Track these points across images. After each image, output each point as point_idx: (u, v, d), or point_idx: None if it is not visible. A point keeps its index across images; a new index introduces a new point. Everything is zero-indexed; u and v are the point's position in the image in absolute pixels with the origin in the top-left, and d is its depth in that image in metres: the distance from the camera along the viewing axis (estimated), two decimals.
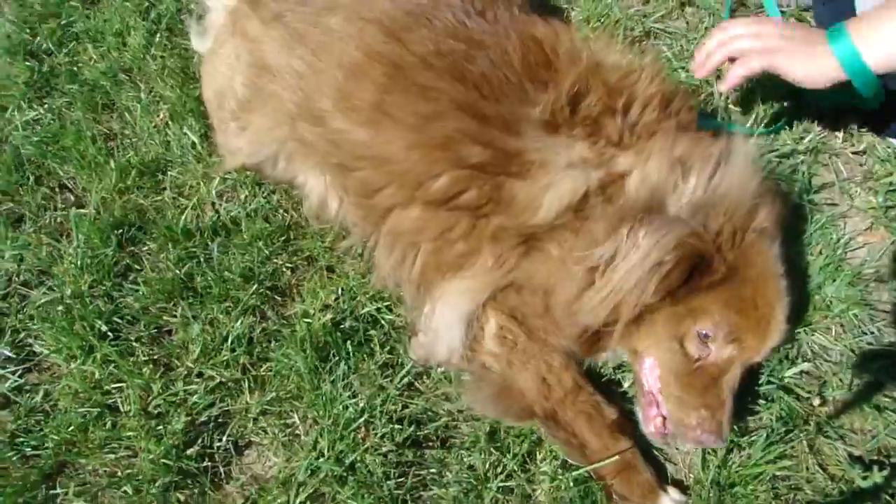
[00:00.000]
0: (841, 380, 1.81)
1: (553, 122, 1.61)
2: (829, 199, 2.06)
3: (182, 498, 1.75)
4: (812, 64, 1.69)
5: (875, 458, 1.74)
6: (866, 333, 1.86)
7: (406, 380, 1.83)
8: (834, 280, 1.90)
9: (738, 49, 1.78)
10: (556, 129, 1.61)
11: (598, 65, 1.68)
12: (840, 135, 2.11)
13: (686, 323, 1.56)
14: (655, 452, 1.76)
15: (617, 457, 1.62)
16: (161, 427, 1.80)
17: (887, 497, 1.66)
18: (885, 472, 1.67)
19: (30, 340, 1.97)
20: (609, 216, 1.55)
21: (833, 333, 1.87)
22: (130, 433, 1.80)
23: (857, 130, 2.13)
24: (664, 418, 1.62)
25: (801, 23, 2.20)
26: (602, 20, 2.29)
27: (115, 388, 1.87)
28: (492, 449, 1.73)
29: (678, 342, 1.58)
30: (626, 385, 1.83)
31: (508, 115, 1.61)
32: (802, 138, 2.12)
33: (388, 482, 1.70)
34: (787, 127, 2.12)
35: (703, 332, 1.55)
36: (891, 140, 2.06)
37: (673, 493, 1.64)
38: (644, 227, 1.48)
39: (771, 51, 1.73)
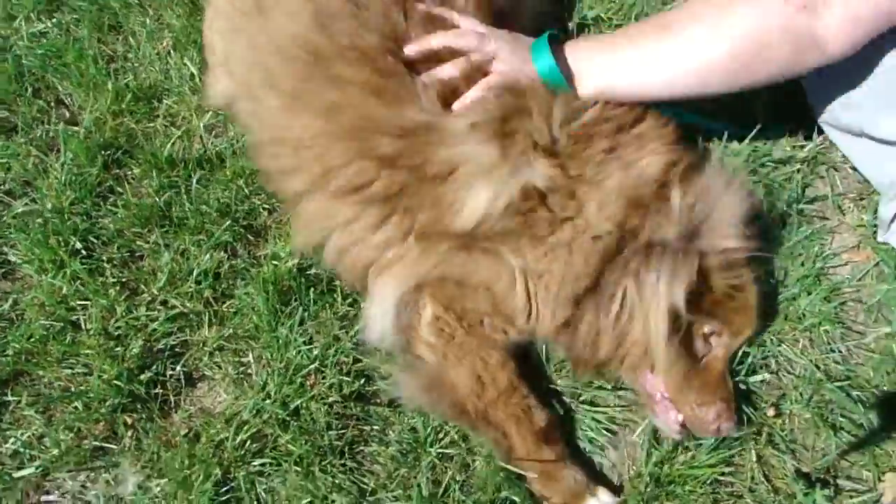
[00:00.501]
0: (801, 394, 1.78)
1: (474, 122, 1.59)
2: (820, 212, 2.02)
3: (129, 421, 1.77)
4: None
5: (822, 476, 1.71)
6: (834, 351, 1.83)
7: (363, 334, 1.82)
8: (809, 293, 1.87)
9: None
10: (475, 129, 1.58)
11: None
12: None
13: (691, 331, 1.62)
14: (591, 445, 1.75)
15: (542, 466, 1.61)
16: (119, 349, 1.81)
17: None
18: (826, 492, 1.65)
19: (5, 249, 1.98)
20: (586, 248, 1.58)
21: (800, 346, 1.83)
22: (88, 351, 1.81)
23: None
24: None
25: None
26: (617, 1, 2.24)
27: (79, 306, 1.88)
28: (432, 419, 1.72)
29: (684, 350, 1.61)
30: (560, 384, 1.80)
31: (424, 110, 1.60)
32: (802, 146, 2.07)
33: (330, 432, 1.71)
34: (767, 133, 2.06)
35: (710, 331, 1.63)
36: None
37: (602, 494, 1.63)
38: (651, 268, 1.54)
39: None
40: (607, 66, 1.63)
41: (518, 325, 1.67)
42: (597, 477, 1.69)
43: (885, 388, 1.78)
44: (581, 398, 1.78)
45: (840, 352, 1.83)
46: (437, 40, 1.65)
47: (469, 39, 1.65)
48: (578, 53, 1.65)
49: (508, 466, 1.63)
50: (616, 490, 1.69)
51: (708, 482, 1.67)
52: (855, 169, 2.03)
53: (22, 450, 1.73)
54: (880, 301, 1.88)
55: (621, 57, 1.63)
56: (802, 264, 1.90)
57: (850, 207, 2.03)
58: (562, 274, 1.59)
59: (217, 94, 2.00)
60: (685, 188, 1.62)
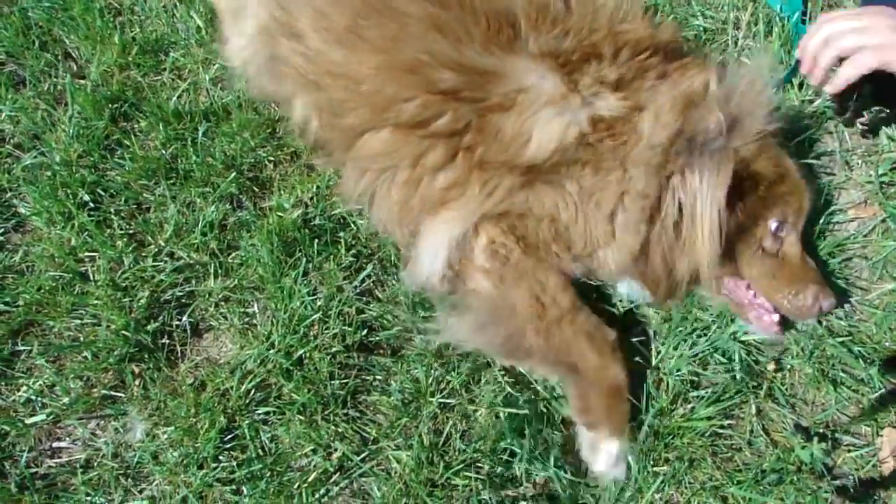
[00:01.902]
0: (802, 349, 1.78)
1: (536, 54, 1.57)
2: (828, 167, 2.00)
3: (137, 370, 1.79)
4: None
5: (820, 430, 1.71)
6: (838, 307, 1.81)
7: (366, 284, 1.83)
8: (814, 248, 1.85)
9: (846, 47, 1.69)
10: (540, 61, 1.57)
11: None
12: (851, 104, 2.02)
13: (758, 229, 1.67)
14: None
15: (612, 380, 1.61)
16: (126, 300, 1.83)
17: (823, 469, 1.64)
18: (823, 445, 1.65)
19: (15, 202, 2.00)
20: (643, 159, 1.57)
21: None
22: (97, 302, 1.83)
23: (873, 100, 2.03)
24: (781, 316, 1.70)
25: None
26: None
27: (88, 257, 1.90)
28: (437, 365, 1.73)
29: (759, 249, 1.66)
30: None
31: (487, 43, 1.57)
32: (811, 101, 2.04)
33: (333, 382, 1.73)
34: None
35: (775, 225, 1.67)
36: None
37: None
38: (694, 169, 1.56)
39: (882, 47, 1.64)
40: None
41: (578, 253, 1.66)
42: None
43: (887, 343, 1.76)
44: None
45: (843, 307, 1.81)
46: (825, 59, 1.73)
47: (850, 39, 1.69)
48: None
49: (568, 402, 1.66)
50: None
51: (707, 434, 1.68)
52: (864, 125, 1.99)
53: (34, 398, 1.77)
54: (886, 258, 1.86)
55: None
56: (807, 221, 1.87)
57: (858, 163, 2.01)
58: (628, 194, 1.60)
59: (231, 54, 1.95)
60: (721, 86, 1.62)
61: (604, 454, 1.60)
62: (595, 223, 1.62)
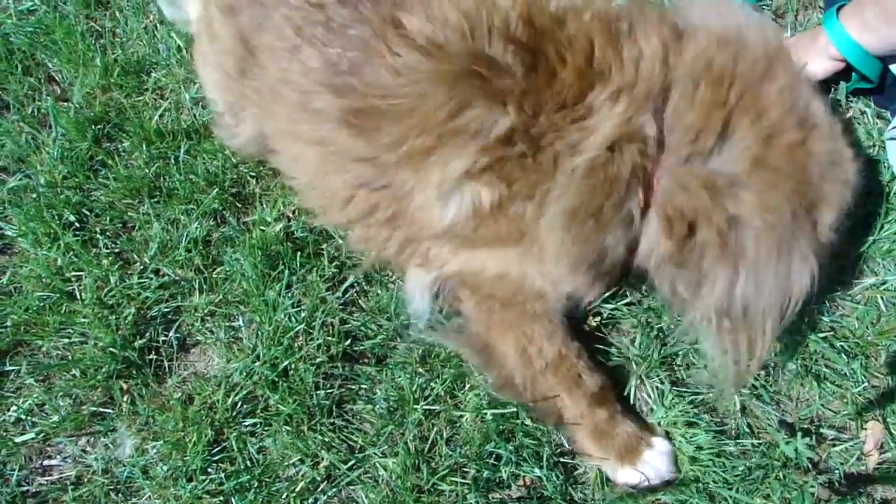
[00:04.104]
0: (786, 345, 1.80)
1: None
2: None
3: (125, 386, 1.83)
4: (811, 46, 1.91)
5: (805, 426, 1.74)
6: (819, 302, 1.84)
7: (350, 295, 1.87)
8: None
9: None
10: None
11: None
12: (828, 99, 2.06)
13: None
14: None
15: (594, 427, 1.66)
16: (113, 317, 1.87)
17: (808, 464, 1.67)
18: (808, 440, 1.68)
19: (1, 224, 2.04)
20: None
21: None
22: (84, 320, 1.88)
23: (847, 98, 2.08)
24: None
25: None
26: None
27: (74, 277, 1.95)
28: (421, 371, 1.76)
29: None
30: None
31: (373, 125, 1.60)
32: None
33: (318, 392, 1.76)
34: None
35: None
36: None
37: (658, 443, 1.69)
38: None
39: None
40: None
41: (553, 302, 1.68)
42: (648, 427, 1.75)
43: (869, 338, 1.80)
44: None
45: (825, 303, 1.85)
46: None
47: None
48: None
49: (562, 435, 1.71)
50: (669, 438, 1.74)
51: (693, 437, 1.71)
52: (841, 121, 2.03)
53: (23, 417, 1.81)
54: (865, 253, 1.90)
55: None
56: None
57: None
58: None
59: (245, 142, 1.96)
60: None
61: (626, 479, 1.66)
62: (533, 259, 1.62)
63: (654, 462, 1.65)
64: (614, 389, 1.73)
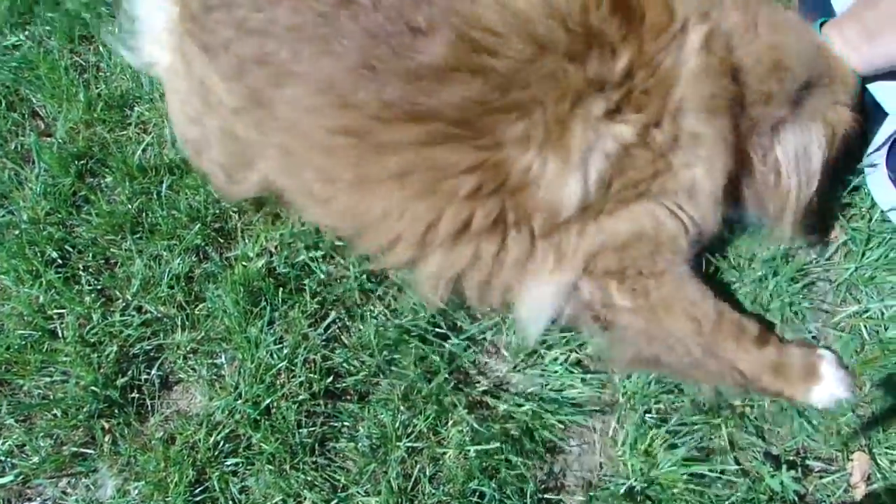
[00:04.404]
0: None
1: (521, 134, 1.59)
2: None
3: (107, 426, 1.82)
4: None
5: (791, 458, 1.74)
6: (802, 332, 1.85)
7: (332, 331, 1.87)
8: (776, 274, 1.89)
9: None
10: (527, 140, 1.59)
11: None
12: None
13: None
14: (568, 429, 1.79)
15: (769, 363, 1.70)
16: (95, 356, 1.87)
17: (795, 498, 1.66)
18: (794, 473, 1.68)
19: None
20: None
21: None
22: (65, 359, 1.87)
23: None
24: None
25: None
26: None
27: (56, 314, 1.94)
28: (404, 409, 1.76)
29: None
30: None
31: (475, 141, 1.59)
32: None
33: (301, 430, 1.75)
34: None
35: None
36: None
37: (824, 352, 1.75)
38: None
39: None
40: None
41: (687, 244, 1.72)
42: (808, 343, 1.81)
43: (854, 367, 1.79)
44: (549, 387, 1.81)
45: (809, 331, 1.85)
46: None
47: None
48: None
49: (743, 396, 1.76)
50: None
51: (685, 477, 1.70)
52: None
53: (3, 458, 1.80)
54: (848, 279, 1.90)
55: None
56: (769, 246, 1.92)
57: None
58: (703, 173, 1.65)
59: (248, 189, 1.90)
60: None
61: (820, 399, 1.71)
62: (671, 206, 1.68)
63: (831, 373, 1.71)
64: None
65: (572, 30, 1.55)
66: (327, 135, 1.62)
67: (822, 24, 1.83)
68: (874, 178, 1.93)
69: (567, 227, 1.66)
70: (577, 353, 1.83)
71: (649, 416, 1.77)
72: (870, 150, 1.94)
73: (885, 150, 1.89)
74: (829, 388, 1.70)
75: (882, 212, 1.94)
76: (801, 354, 1.73)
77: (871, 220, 1.95)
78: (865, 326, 1.85)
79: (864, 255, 1.93)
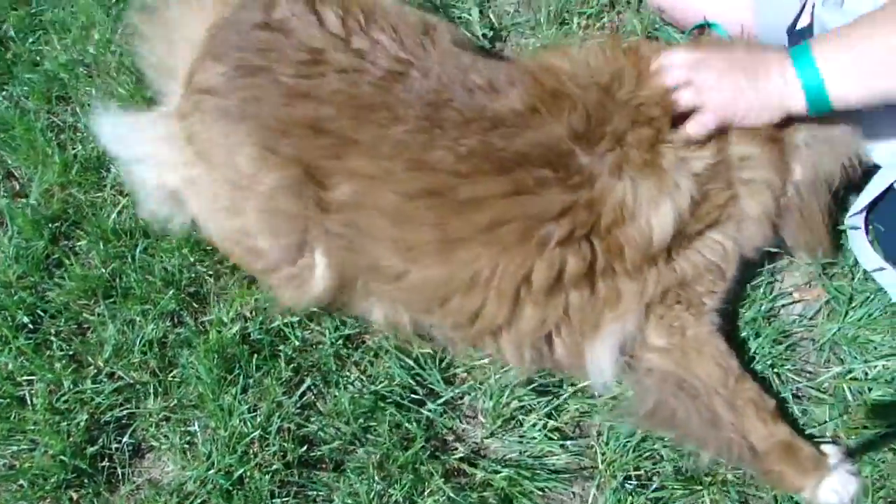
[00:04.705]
0: None
1: (612, 166, 1.62)
2: (771, 251, 2.03)
3: (76, 496, 1.80)
4: (757, 96, 1.64)
5: None
6: (786, 394, 1.84)
7: (307, 398, 1.86)
8: (759, 335, 1.89)
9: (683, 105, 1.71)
10: (618, 170, 1.62)
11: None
12: None
13: None
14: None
15: (781, 442, 1.66)
16: (65, 424, 1.85)
17: None
18: None
19: None
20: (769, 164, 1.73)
21: None
22: (34, 427, 1.85)
23: None
24: None
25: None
26: None
27: (26, 381, 1.92)
28: (378, 478, 1.74)
29: None
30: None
31: (566, 181, 1.60)
32: None
33: (274, 501, 1.73)
34: None
35: None
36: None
37: (831, 451, 1.70)
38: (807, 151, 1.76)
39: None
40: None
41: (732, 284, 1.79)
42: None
43: (839, 434, 1.78)
44: (527, 453, 1.79)
45: (793, 393, 1.84)
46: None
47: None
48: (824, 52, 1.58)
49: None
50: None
51: None
52: None
53: None
54: (832, 340, 1.90)
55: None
56: (750, 307, 1.92)
57: None
58: (762, 202, 1.74)
59: (321, 292, 1.81)
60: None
61: (827, 498, 1.64)
62: (742, 236, 1.75)
63: (841, 471, 1.65)
64: None
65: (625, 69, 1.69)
66: (402, 200, 1.61)
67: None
68: (855, 239, 1.94)
69: (655, 261, 1.67)
70: (555, 419, 1.81)
71: (629, 482, 1.74)
72: (851, 211, 1.94)
73: (862, 215, 1.90)
74: (838, 484, 1.64)
75: (865, 271, 1.94)
76: (811, 444, 1.69)
77: (853, 278, 1.96)
78: (849, 388, 1.85)
79: (847, 314, 1.93)
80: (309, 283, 1.76)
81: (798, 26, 1.91)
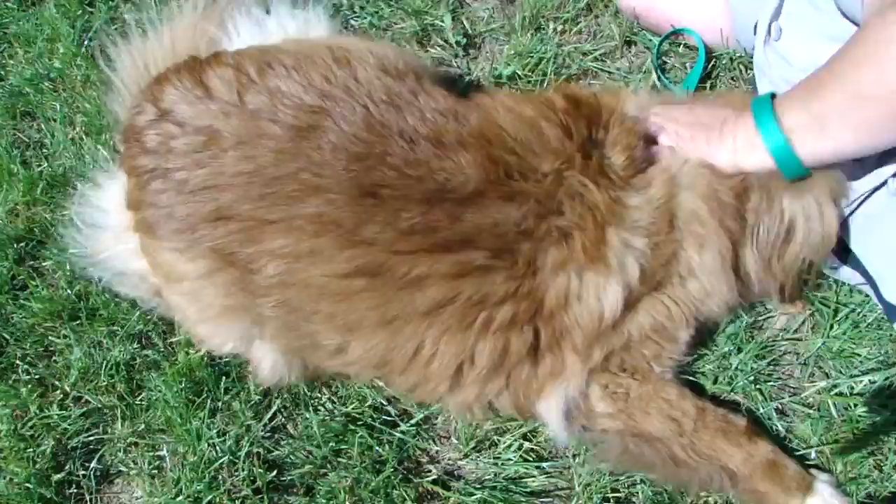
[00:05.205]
0: None
1: (557, 260, 1.59)
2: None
3: None
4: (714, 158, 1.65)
5: None
6: (767, 409, 1.83)
7: (277, 420, 1.86)
8: (741, 350, 1.88)
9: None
10: (563, 265, 1.60)
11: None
12: None
13: None
14: None
15: (763, 461, 1.65)
16: (30, 450, 1.85)
17: None
18: None
19: None
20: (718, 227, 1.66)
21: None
22: None
23: None
24: None
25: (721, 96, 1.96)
26: (534, 56, 2.28)
27: None
28: (349, 503, 1.74)
29: None
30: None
31: (508, 260, 1.57)
32: None
33: None
34: None
35: None
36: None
37: (819, 474, 1.70)
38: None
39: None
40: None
41: (684, 346, 1.75)
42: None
43: (823, 448, 1.78)
44: (502, 475, 1.79)
45: (776, 409, 1.83)
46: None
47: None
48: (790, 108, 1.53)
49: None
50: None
51: None
52: None
53: None
54: (816, 353, 1.89)
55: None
56: (732, 321, 1.91)
57: None
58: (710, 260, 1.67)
59: (275, 378, 1.80)
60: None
61: None
62: (689, 295, 1.69)
63: (827, 490, 1.65)
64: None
65: (575, 139, 1.62)
66: (336, 280, 1.53)
67: (772, 96, 1.77)
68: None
69: (608, 333, 1.65)
70: (530, 440, 1.80)
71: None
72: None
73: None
74: (824, 503, 1.64)
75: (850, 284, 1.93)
76: (796, 462, 1.68)
77: (838, 291, 1.94)
78: (834, 403, 1.84)
79: (831, 327, 1.92)
80: (263, 371, 1.77)
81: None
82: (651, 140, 1.71)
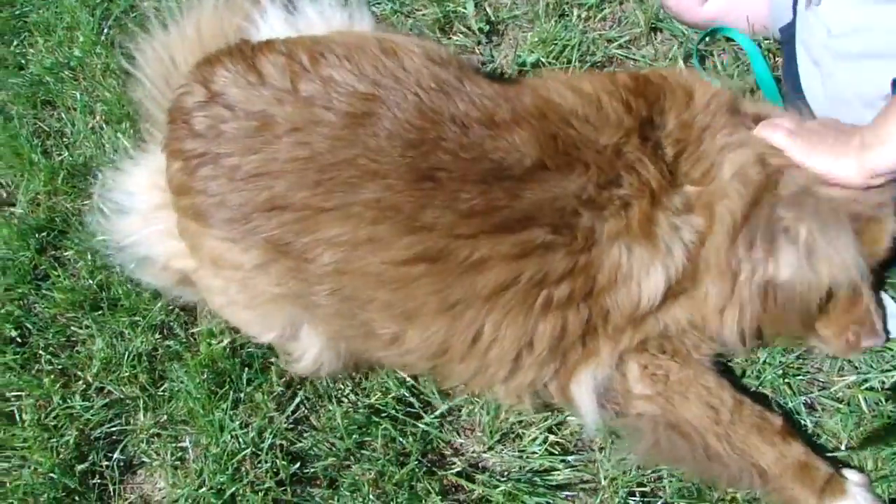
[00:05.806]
0: None
1: (610, 233, 1.62)
2: None
3: None
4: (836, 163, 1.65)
5: None
6: (796, 404, 1.84)
7: (300, 412, 1.89)
8: (767, 343, 1.89)
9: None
10: (615, 237, 1.62)
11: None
12: None
13: None
14: None
15: (795, 462, 1.66)
16: (54, 440, 1.89)
17: None
18: None
19: None
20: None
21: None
22: (23, 444, 1.90)
23: None
24: None
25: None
26: (558, 42, 2.29)
27: (14, 397, 1.97)
28: (373, 497, 1.77)
29: None
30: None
31: (570, 247, 1.59)
32: None
33: None
34: None
35: None
36: None
37: (851, 475, 1.69)
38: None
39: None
40: None
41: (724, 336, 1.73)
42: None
43: (853, 444, 1.79)
44: (527, 468, 1.82)
45: (805, 404, 1.85)
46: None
47: None
48: None
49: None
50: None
51: None
52: None
53: None
54: None
55: None
56: None
57: None
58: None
59: (317, 370, 1.82)
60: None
61: None
62: (716, 300, 1.69)
63: (860, 492, 1.65)
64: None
65: (634, 114, 1.66)
66: (394, 267, 1.54)
67: None
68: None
69: (637, 322, 1.68)
70: (555, 433, 1.83)
71: (633, 499, 1.76)
72: None
73: None
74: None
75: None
76: (828, 464, 1.67)
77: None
78: (865, 398, 1.85)
79: None
80: (305, 361, 1.78)
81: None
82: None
